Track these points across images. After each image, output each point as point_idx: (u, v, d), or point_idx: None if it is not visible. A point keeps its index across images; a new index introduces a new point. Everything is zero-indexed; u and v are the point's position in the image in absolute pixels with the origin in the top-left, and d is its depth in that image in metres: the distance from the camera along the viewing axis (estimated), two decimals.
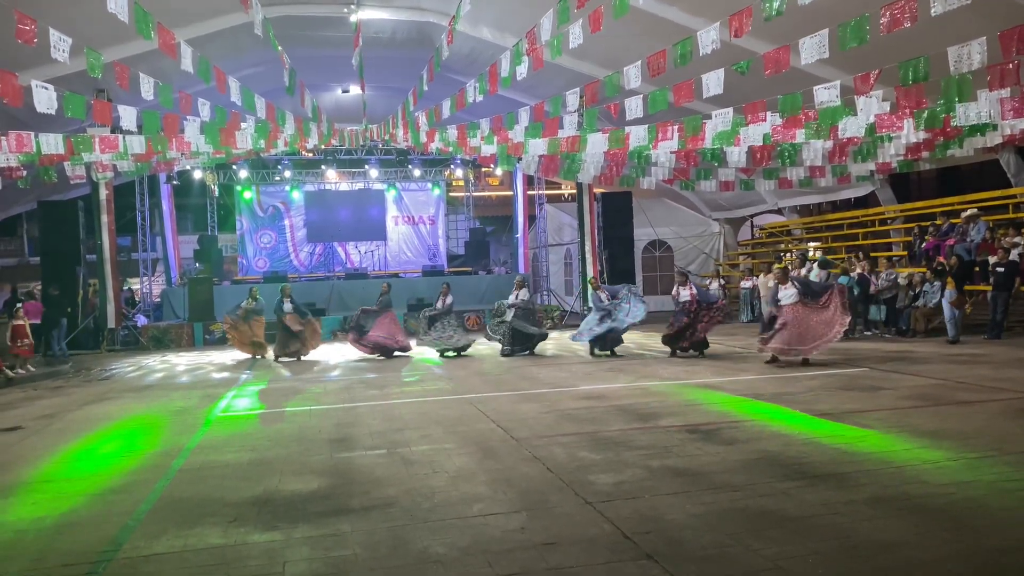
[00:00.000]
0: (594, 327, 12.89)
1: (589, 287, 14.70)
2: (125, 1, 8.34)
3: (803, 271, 14.64)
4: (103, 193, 17.06)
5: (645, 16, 12.37)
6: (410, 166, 23.64)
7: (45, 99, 8.97)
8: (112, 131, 13.57)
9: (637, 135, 12.11)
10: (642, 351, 13.69)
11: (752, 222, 25.64)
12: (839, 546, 3.92)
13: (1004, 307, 13.09)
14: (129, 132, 12.68)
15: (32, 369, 13.28)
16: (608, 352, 13.07)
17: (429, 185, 25.38)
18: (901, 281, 14.97)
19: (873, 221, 20.10)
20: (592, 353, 13.14)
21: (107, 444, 7.26)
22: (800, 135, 11.61)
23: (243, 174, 22.75)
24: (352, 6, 13.63)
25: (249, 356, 14.70)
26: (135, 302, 21.94)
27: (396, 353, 14.27)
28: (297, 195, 24.33)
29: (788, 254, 21.42)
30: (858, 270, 15.26)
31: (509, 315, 13.71)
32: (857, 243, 19.27)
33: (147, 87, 10.48)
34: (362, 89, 16.12)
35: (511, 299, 13.94)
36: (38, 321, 15.01)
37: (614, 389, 9.36)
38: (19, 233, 31.68)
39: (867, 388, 8.79)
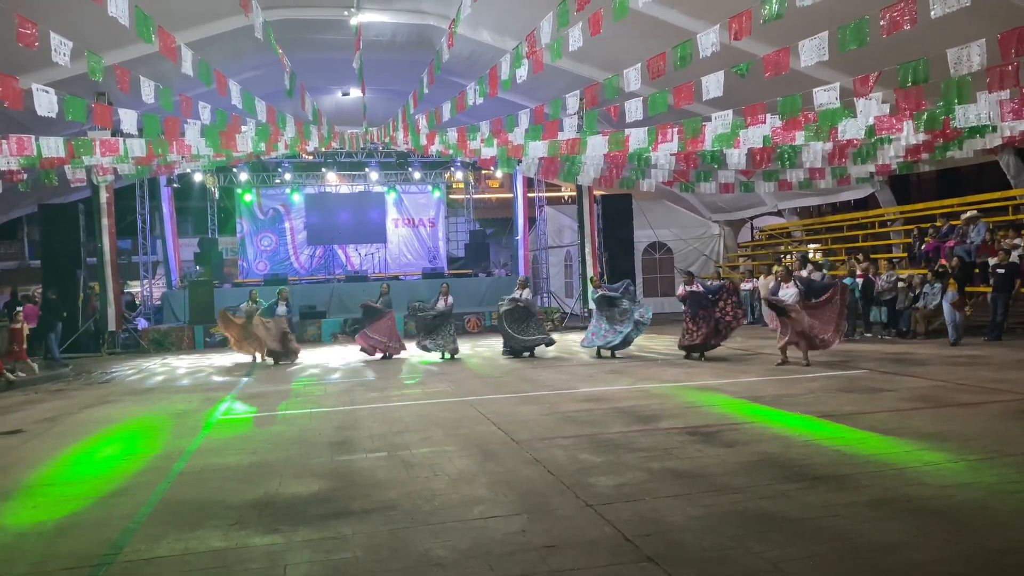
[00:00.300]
0: (607, 334, 12.91)
1: (590, 286, 14.69)
2: (126, 4, 8.35)
3: (804, 273, 14.65)
4: (103, 196, 17.07)
5: (645, 19, 12.39)
6: (410, 169, 23.65)
7: (46, 102, 8.98)
8: (113, 134, 13.59)
9: (637, 137, 12.13)
10: (642, 353, 13.69)
11: (752, 224, 25.65)
12: (840, 548, 3.92)
13: (1004, 309, 13.08)
14: (130, 135, 12.69)
15: (22, 374, 13.23)
16: (610, 354, 13.10)
17: (429, 188, 25.39)
18: (901, 283, 14.98)
19: (873, 223, 20.11)
20: (597, 354, 13.18)
21: (108, 447, 7.26)
22: (800, 137, 11.63)
23: (243, 177, 22.78)
24: (352, 9, 13.65)
25: (249, 359, 14.70)
26: (135, 305, 21.94)
27: (392, 356, 14.31)
28: (297, 198, 24.35)
29: (788, 256, 21.42)
30: (859, 272, 15.28)
31: (504, 306, 13.65)
32: (857, 245, 19.27)
33: (148, 90, 10.50)
34: (362, 92, 16.14)
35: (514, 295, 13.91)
36: (33, 324, 15.01)
37: (614, 391, 9.36)
38: (19, 236, 31.70)
39: (867, 390, 8.79)
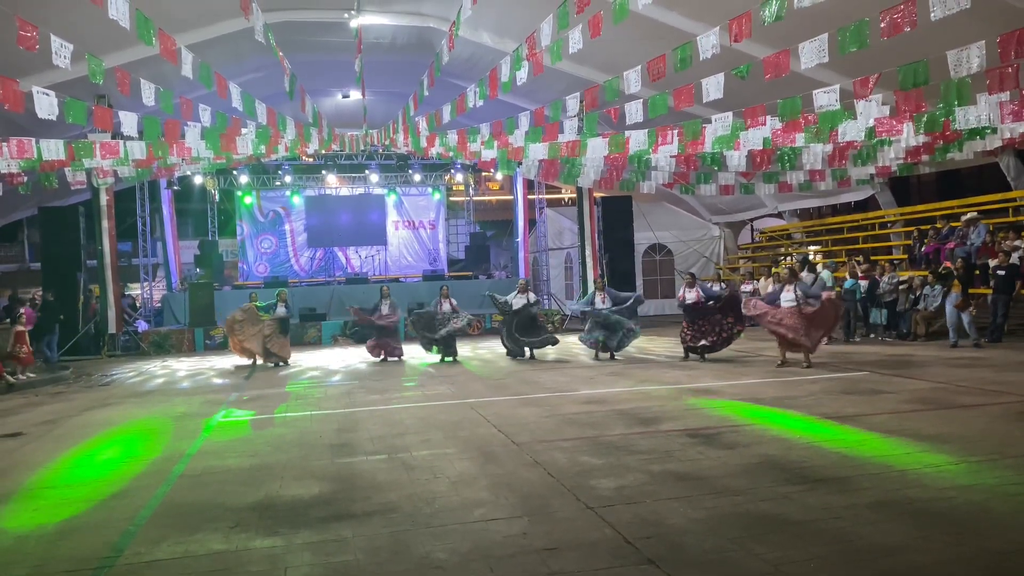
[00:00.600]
0: (599, 336, 13.02)
1: (592, 286, 14.70)
2: (126, 7, 8.35)
3: (803, 275, 14.67)
4: (104, 199, 17.07)
5: (645, 21, 12.40)
6: (410, 171, 23.66)
7: (46, 105, 8.98)
8: (113, 137, 13.58)
9: (637, 139, 12.13)
10: (643, 355, 13.69)
11: (752, 226, 25.66)
12: (841, 550, 3.91)
13: (1004, 310, 13.08)
14: (130, 138, 12.69)
15: (32, 376, 13.26)
16: (609, 356, 13.12)
17: (429, 190, 25.40)
18: (902, 285, 14.98)
19: (873, 225, 20.12)
20: (595, 356, 13.21)
21: (108, 450, 7.26)
22: (800, 139, 11.63)
23: (244, 179, 22.78)
24: (352, 12, 13.66)
25: (248, 361, 14.71)
26: (135, 308, 21.94)
27: (397, 358, 14.34)
28: (297, 200, 24.36)
29: (788, 258, 21.43)
30: (860, 274, 15.29)
31: (516, 303, 13.64)
32: (857, 247, 19.27)
33: (148, 93, 10.50)
34: (363, 94, 16.15)
35: (511, 297, 13.90)
36: (30, 327, 14.98)
37: (615, 393, 9.36)
38: (20, 239, 31.68)
39: (868, 392, 8.78)
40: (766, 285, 15.94)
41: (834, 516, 4.41)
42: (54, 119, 9.33)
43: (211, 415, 8.94)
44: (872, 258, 16.82)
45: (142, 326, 19.69)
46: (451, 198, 27.86)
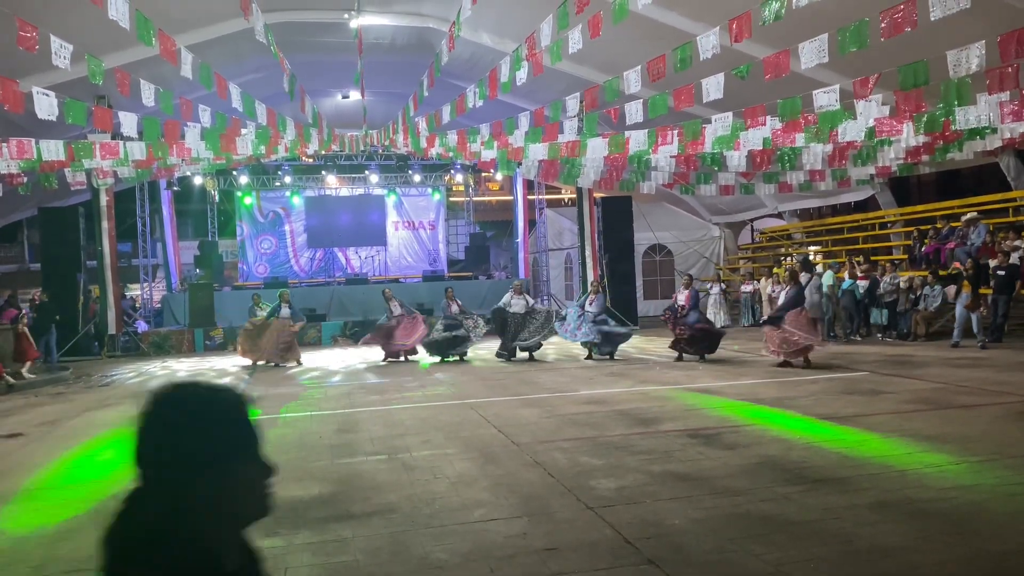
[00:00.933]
0: (589, 333, 13.12)
1: (590, 291, 14.70)
2: (126, 8, 8.35)
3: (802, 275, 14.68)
4: (104, 199, 17.06)
5: (645, 21, 12.39)
6: (410, 171, 23.65)
7: (46, 105, 8.98)
8: (113, 137, 13.58)
9: (637, 139, 12.13)
10: (642, 355, 13.69)
11: (752, 226, 25.65)
12: (841, 551, 3.91)
13: (1005, 310, 13.08)
14: (130, 138, 12.70)
15: (32, 376, 13.26)
16: (608, 357, 13.15)
17: (429, 190, 25.39)
18: (903, 285, 14.97)
19: (873, 225, 20.11)
20: (589, 356, 13.25)
21: (108, 450, 7.25)
22: (800, 139, 11.63)
23: (243, 180, 22.76)
24: (352, 12, 13.66)
25: (250, 362, 14.72)
26: (135, 308, 21.94)
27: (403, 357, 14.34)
28: (297, 200, 24.35)
29: (788, 258, 21.43)
30: (860, 274, 15.29)
31: (515, 305, 13.62)
32: (857, 247, 19.27)
33: (148, 93, 10.50)
34: (362, 94, 16.14)
35: (508, 299, 13.86)
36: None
37: (615, 394, 9.35)
38: (20, 239, 31.67)
39: (868, 392, 8.78)
40: (766, 285, 15.94)
41: (834, 516, 4.41)
42: (54, 120, 9.34)
43: None
44: (872, 258, 16.82)
45: (142, 327, 19.69)
46: (451, 198, 27.84)
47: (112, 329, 17.33)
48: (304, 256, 24.50)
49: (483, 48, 16.06)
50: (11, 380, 12.39)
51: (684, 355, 12.52)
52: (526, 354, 13.59)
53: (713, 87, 9.84)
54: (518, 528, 4.44)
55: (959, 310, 13.05)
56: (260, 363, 14.46)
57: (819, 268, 17.25)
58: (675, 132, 11.69)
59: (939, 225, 16.07)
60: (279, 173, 22.97)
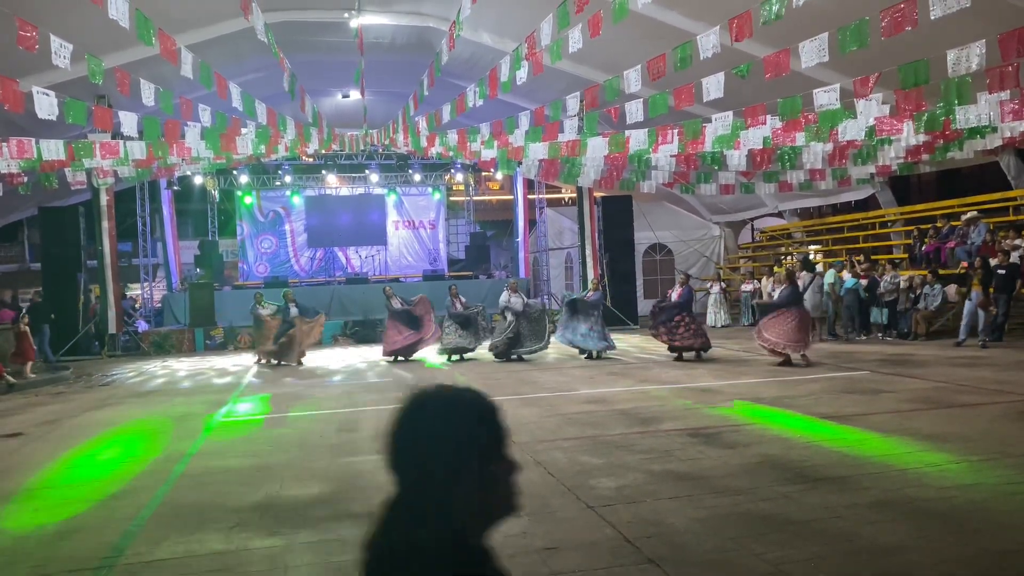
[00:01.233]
0: (584, 337, 13.19)
1: (590, 288, 14.72)
2: (126, 7, 8.35)
3: (802, 275, 14.68)
4: (104, 199, 17.07)
5: (645, 20, 12.38)
6: (410, 171, 23.65)
7: (46, 105, 8.98)
8: (113, 137, 13.58)
9: (637, 139, 12.12)
10: (642, 355, 13.68)
11: (752, 225, 25.64)
12: (841, 550, 3.91)
13: (1005, 309, 13.07)
14: (130, 138, 12.69)
15: (32, 376, 13.26)
16: (595, 355, 13.24)
17: (429, 190, 25.39)
18: (903, 284, 14.96)
19: (873, 224, 20.10)
20: (586, 355, 13.27)
21: (108, 450, 7.26)
22: (800, 138, 11.63)
23: (244, 179, 22.75)
24: (352, 12, 13.65)
25: (253, 361, 14.73)
26: (136, 308, 21.95)
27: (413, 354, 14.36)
28: (298, 200, 24.34)
29: (789, 257, 21.42)
30: (859, 272, 15.27)
31: (515, 304, 13.63)
32: (858, 246, 19.26)
33: (148, 93, 10.50)
34: (362, 94, 16.14)
35: (506, 297, 13.86)
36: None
37: (615, 393, 9.35)
38: (20, 239, 31.66)
39: (868, 391, 8.78)
40: (767, 285, 15.94)
41: (834, 515, 4.41)
42: (54, 119, 9.33)
43: (211, 414, 8.93)
44: (872, 257, 16.81)
45: (142, 326, 19.70)
46: (451, 198, 27.82)
47: (112, 329, 17.34)
48: (304, 256, 24.49)
49: (483, 47, 16.06)
50: (11, 380, 12.39)
51: (683, 355, 12.51)
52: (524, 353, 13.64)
53: (713, 86, 9.83)
54: (518, 527, 4.44)
55: (967, 309, 12.95)
56: (261, 362, 14.47)
57: (819, 268, 17.24)
58: (675, 131, 11.68)
59: (939, 224, 16.07)
60: (279, 173, 22.97)
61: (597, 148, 12.84)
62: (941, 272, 14.56)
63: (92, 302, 18.45)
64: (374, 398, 9.77)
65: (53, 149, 11.77)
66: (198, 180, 21.82)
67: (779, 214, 23.74)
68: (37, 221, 20.34)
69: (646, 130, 12.10)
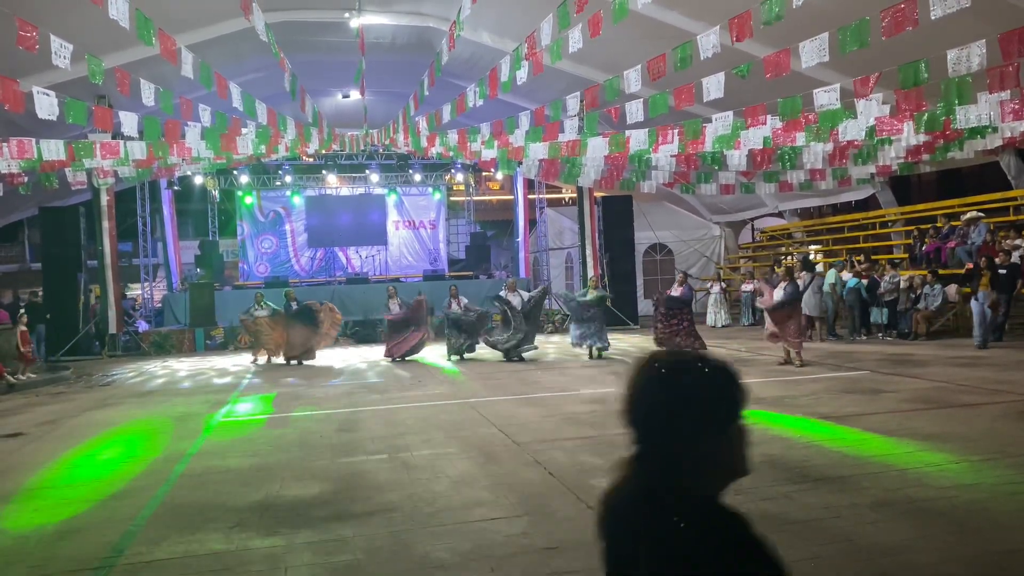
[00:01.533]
0: (592, 336, 13.25)
1: (589, 286, 14.72)
2: (126, 7, 8.35)
3: (803, 274, 14.68)
4: (104, 199, 17.08)
5: (645, 20, 12.39)
6: (411, 171, 23.65)
7: (46, 105, 8.97)
8: (113, 137, 13.59)
9: (637, 139, 12.12)
10: (642, 354, 13.66)
11: (753, 225, 25.64)
12: (842, 549, 3.91)
13: (1005, 309, 13.07)
14: (130, 138, 12.69)
15: (32, 376, 13.27)
16: (597, 354, 13.25)
17: (430, 190, 25.39)
18: (903, 284, 14.96)
19: (874, 224, 20.10)
20: (591, 355, 13.26)
21: (108, 450, 7.26)
22: (800, 138, 11.62)
23: (244, 179, 22.76)
24: (353, 12, 13.65)
25: (252, 360, 14.71)
26: (136, 308, 21.95)
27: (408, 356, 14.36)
28: (298, 200, 24.35)
29: (789, 257, 21.42)
30: (859, 272, 15.26)
31: (514, 302, 13.64)
32: (858, 246, 19.26)
33: (148, 93, 10.49)
34: (362, 94, 16.14)
35: (504, 296, 13.87)
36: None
37: (615, 393, 9.33)
38: (20, 239, 31.65)
39: (869, 391, 8.78)
40: (765, 286, 15.93)
41: (835, 515, 4.41)
42: (54, 119, 9.33)
43: (212, 414, 8.94)
44: (873, 257, 16.81)
45: (142, 326, 19.70)
46: (451, 198, 27.82)
47: (113, 329, 17.35)
48: (305, 255, 24.49)
49: (483, 47, 16.06)
50: (12, 380, 12.39)
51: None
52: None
53: (713, 86, 9.83)
54: (519, 527, 4.44)
55: (978, 309, 12.82)
56: (258, 361, 14.48)
57: (819, 268, 17.24)
58: (675, 131, 11.68)
59: (940, 224, 16.06)
60: (279, 173, 22.97)
61: (597, 148, 12.84)
62: (941, 272, 14.55)
63: (92, 302, 18.45)
64: (374, 398, 9.77)
65: (53, 149, 11.76)
66: (198, 180, 21.82)
67: (779, 214, 23.74)
68: (37, 221, 20.34)
69: (646, 130, 12.09)
